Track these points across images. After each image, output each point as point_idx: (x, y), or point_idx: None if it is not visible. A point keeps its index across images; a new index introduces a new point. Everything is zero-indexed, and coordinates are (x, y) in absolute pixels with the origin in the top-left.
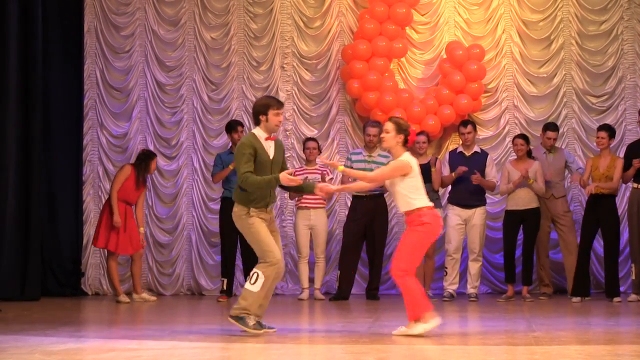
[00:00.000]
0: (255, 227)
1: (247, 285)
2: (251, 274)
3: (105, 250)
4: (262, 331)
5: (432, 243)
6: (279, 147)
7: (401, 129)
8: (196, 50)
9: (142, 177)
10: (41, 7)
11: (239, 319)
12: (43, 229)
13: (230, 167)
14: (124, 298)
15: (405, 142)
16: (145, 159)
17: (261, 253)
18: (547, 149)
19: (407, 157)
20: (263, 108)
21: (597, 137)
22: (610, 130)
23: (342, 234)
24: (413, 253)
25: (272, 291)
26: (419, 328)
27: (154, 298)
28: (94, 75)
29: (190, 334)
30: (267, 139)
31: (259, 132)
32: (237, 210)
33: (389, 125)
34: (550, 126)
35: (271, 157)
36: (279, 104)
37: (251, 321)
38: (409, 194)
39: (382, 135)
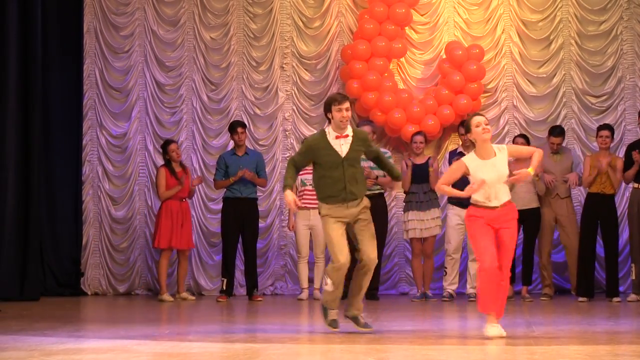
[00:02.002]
0: (326, 225)
1: (324, 287)
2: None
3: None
4: (334, 329)
5: None
6: (357, 142)
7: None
8: (196, 50)
9: (172, 168)
10: (41, 8)
11: (323, 309)
12: (42, 229)
13: (232, 179)
14: (167, 297)
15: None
16: (163, 153)
17: (330, 253)
18: (552, 152)
19: None
20: (326, 106)
21: (601, 137)
22: (612, 129)
23: None
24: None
25: (361, 285)
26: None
27: (192, 298)
28: (93, 75)
29: (190, 334)
30: (337, 137)
31: (329, 129)
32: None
33: (486, 120)
34: (554, 132)
35: (342, 155)
36: (342, 99)
37: (331, 316)
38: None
39: (487, 127)
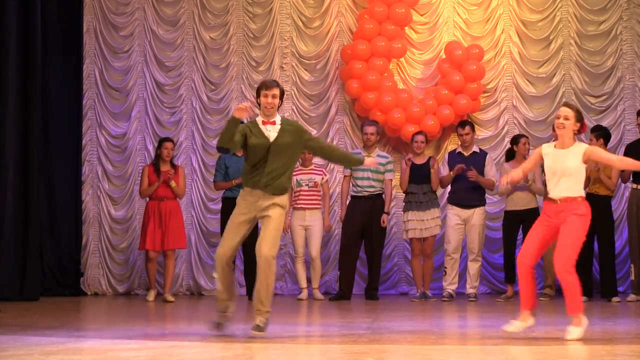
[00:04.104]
0: (234, 212)
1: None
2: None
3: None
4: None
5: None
6: (290, 132)
7: (580, 116)
8: (195, 50)
9: (157, 167)
10: (40, 8)
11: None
12: (42, 229)
13: (234, 182)
14: (150, 297)
15: (579, 132)
16: (156, 149)
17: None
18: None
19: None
20: (257, 90)
21: (591, 139)
22: (598, 131)
23: (340, 234)
24: (577, 246)
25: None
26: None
27: (172, 299)
28: (93, 75)
29: (190, 334)
30: (263, 122)
31: (259, 117)
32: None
33: (568, 112)
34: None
35: (271, 140)
36: (270, 85)
37: (218, 319)
38: (581, 179)
39: (561, 122)
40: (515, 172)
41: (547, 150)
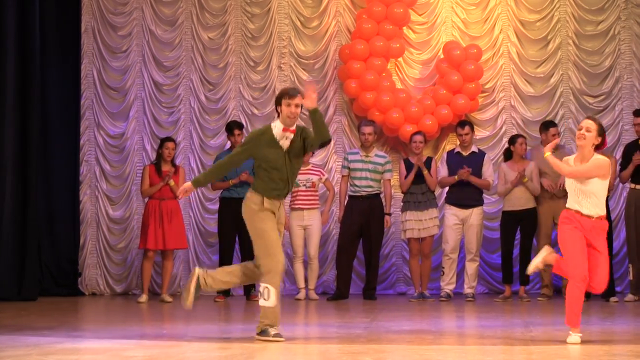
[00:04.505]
0: (264, 222)
1: (263, 302)
2: (261, 289)
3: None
4: (283, 339)
5: None
6: (298, 135)
7: (602, 131)
8: (193, 50)
9: (159, 166)
10: (38, 7)
11: (262, 332)
12: (40, 229)
13: (231, 182)
14: (142, 299)
15: (599, 147)
16: (158, 149)
17: (264, 254)
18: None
19: (606, 159)
20: (277, 99)
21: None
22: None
23: (338, 233)
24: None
25: None
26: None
27: (170, 300)
28: (91, 75)
29: (187, 334)
30: (284, 129)
31: (276, 124)
32: (250, 202)
33: (591, 124)
34: (551, 123)
35: (285, 148)
36: (293, 93)
37: (273, 331)
38: (604, 195)
39: (582, 133)
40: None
41: (569, 161)
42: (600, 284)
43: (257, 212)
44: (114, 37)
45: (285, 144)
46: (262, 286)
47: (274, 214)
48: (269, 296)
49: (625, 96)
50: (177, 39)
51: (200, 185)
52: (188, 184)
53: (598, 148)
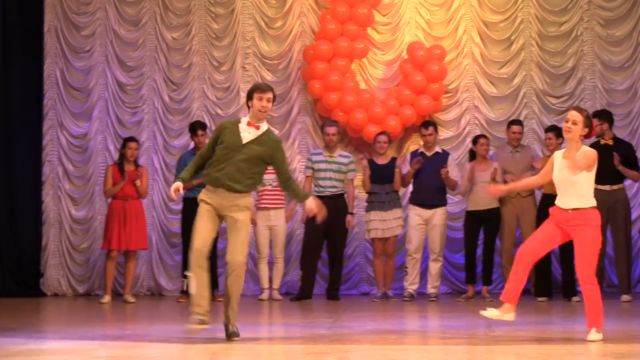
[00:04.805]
0: (198, 211)
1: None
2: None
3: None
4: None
5: None
6: (266, 143)
7: (589, 121)
8: (157, 50)
9: (122, 166)
10: (1, 7)
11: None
12: (2, 229)
13: (194, 182)
14: (105, 299)
15: (587, 136)
16: (121, 149)
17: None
18: (514, 145)
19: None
20: (249, 93)
21: (546, 139)
22: (557, 130)
23: (302, 234)
24: (595, 255)
25: (229, 291)
26: (598, 335)
27: (133, 300)
28: (54, 75)
29: (150, 334)
30: (248, 124)
31: (245, 118)
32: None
33: (577, 116)
34: (515, 121)
35: (243, 141)
36: (266, 88)
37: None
38: (590, 189)
39: (568, 126)
40: (532, 181)
41: (557, 158)
42: (579, 274)
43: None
44: (77, 37)
45: (246, 137)
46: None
47: (209, 204)
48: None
49: (588, 97)
50: (140, 39)
51: (186, 182)
52: (177, 183)
53: (587, 137)
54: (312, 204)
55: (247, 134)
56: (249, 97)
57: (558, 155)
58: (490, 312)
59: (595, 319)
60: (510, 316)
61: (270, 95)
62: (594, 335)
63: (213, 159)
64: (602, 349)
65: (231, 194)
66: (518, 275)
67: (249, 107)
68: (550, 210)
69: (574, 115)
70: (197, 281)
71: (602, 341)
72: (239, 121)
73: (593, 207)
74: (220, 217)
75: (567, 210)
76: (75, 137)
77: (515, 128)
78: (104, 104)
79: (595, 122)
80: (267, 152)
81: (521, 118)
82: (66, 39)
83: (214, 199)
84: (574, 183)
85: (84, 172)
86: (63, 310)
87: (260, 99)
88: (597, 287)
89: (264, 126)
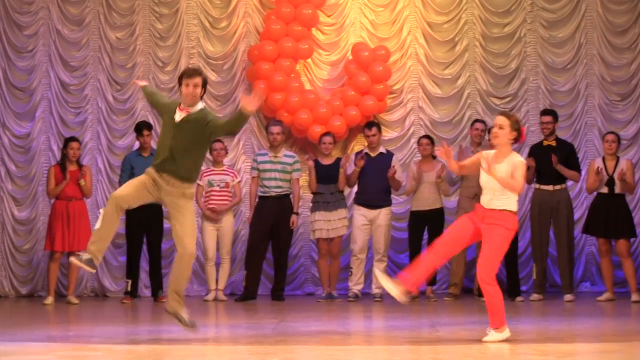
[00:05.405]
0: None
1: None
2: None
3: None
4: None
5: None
6: (196, 118)
7: (516, 125)
8: (101, 50)
9: (64, 166)
10: None
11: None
12: None
13: None
14: (48, 300)
15: (516, 141)
16: (62, 149)
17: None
18: (477, 143)
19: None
20: (178, 78)
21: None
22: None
23: (247, 234)
24: (499, 256)
25: (175, 275)
26: (497, 336)
27: (76, 302)
28: None
29: (94, 335)
30: (180, 108)
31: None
32: None
33: (503, 120)
34: (479, 120)
35: (176, 120)
36: (192, 73)
37: (85, 255)
38: (514, 196)
39: (495, 131)
40: (452, 161)
41: (484, 161)
42: (480, 272)
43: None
44: (19, 36)
45: (177, 117)
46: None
47: (154, 182)
48: (98, 220)
49: (531, 98)
50: (84, 38)
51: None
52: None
53: (517, 141)
54: (246, 100)
55: (178, 114)
56: (179, 82)
57: (486, 156)
58: (384, 280)
59: (496, 318)
60: (402, 298)
61: (197, 80)
62: (493, 335)
63: (157, 143)
64: (545, 348)
65: (175, 181)
66: (427, 261)
67: (180, 92)
68: (476, 205)
69: (500, 120)
70: (107, 221)
71: (507, 341)
72: (177, 104)
73: (513, 212)
74: (156, 199)
75: (487, 208)
76: (18, 137)
77: (478, 125)
78: (47, 104)
79: (547, 118)
80: (200, 123)
81: (465, 119)
82: (8, 38)
83: (159, 181)
84: (499, 187)
85: (27, 173)
86: (6, 312)
87: (187, 85)
88: (496, 288)
89: (197, 107)
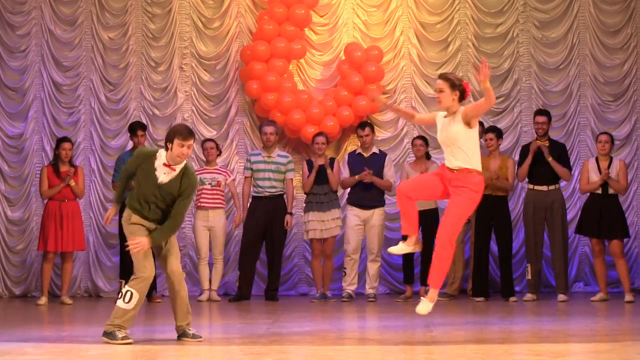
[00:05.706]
0: (135, 234)
1: (120, 304)
2: (124, 292)
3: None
4: (131, 340)
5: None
6: (184, 182)
7: (455, 84)
8: (94, 50)
9: (58, 167)
10: None
11: (109, 334)
12: None
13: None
14: (42, 301)
15: (461, 99)
16: (55, 149)
17: (135, 265)
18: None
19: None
20: (169, 135)
21: (486, 139)
22: (497, 131)
23: (241, 234)
24: (461, 220)
25: (175, 298)
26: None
27: (70, 302)
28: None
29: (88, 336)
30: (164, 164)
31: (162, 154)
32: (125, 214)
33: (441, 83)
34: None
35: (158, 181)
36: (188, 135)
37: (121, 334)
38: (474, 150)
39: (437, 95)
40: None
41: (439, 119)
42: (439, 234)
43: (128, 223)
44: (12, 36)
45: (162, 178)
46: (126, 289)
47: (144, 226)
48: (130, 300)
49: (524, 98)
50: (77, 38)
51: (119, 203)
52: (111, 209)
53: (463, 98)
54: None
55: (163, 174)
56: (169, 139)
57: (440, 115)
58: (398, 248)
59: (437, 278)
60: (417, 247)
61: (191, 142)
62: (424, 305)
63: (135, 186)
64: (538, 348)
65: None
66: (405, 208)
67: (167, 148)
68: (441, 165)
69: (438, 83)
70: (138, 301)
71: (501, 341)
72: (155, 156)
73: (478, 172)
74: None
75: (452, 170)
76: (11, 138)
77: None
78: (39, 104)
79: (541, 119)
80: (179, 189)
81: None
82: (1, 38)
83: (144, 222)
84: (456, 140)
85: (20, 173)
86: None
87: (182, 146)
88: (451, 252)
89: (180, 166)
